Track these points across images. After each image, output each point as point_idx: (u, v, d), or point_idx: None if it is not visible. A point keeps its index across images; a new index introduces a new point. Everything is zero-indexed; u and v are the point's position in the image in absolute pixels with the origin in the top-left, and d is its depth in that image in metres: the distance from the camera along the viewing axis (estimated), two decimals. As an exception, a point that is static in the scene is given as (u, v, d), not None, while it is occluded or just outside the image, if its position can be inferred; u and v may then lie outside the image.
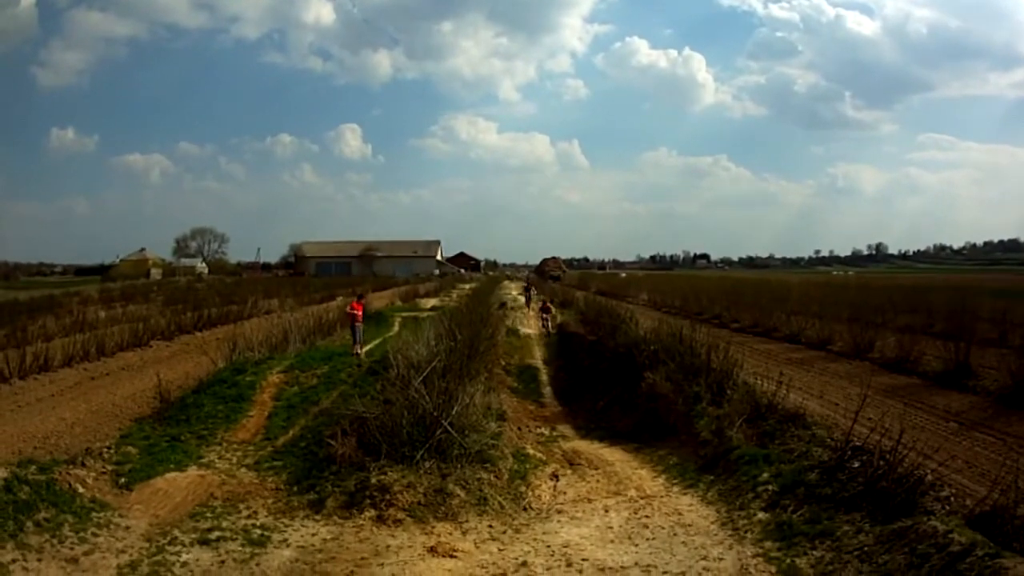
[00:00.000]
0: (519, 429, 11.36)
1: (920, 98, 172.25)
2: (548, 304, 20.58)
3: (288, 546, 6.74)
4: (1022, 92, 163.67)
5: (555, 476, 9.10)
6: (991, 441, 9.99)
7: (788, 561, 6.40)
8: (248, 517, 7.46)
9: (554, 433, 11.69)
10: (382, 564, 6.38)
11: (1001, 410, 11.72)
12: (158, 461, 8.90)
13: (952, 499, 7.16)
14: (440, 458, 8.38)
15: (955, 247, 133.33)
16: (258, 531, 7.06)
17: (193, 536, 6.87)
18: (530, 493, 8.41)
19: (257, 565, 6.34)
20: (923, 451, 7.73)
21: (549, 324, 23.43)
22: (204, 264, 76.95)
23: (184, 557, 6.40)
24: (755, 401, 10.28)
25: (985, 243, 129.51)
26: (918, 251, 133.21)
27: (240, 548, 6.64)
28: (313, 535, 7.09)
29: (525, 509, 7.97)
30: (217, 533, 6.95)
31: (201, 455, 9.34)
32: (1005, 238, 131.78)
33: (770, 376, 11.01)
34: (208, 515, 7.43)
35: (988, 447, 9.76)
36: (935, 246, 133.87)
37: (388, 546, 6.77)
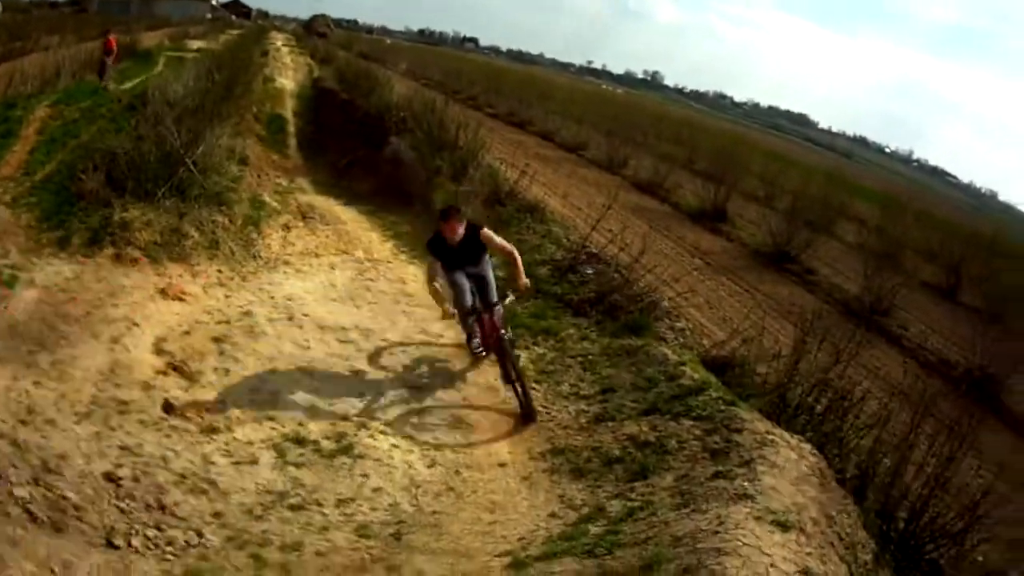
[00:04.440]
0: (259, 176, 11.14)
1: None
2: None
3: (34, 286, 6.66)
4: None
5: (286, 227, 9.32)
6: (738, 291, 9.54)
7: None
8: (2, 256, 7.39)
9: (292, 185, 11.52)
10: (116, 304, 6.53)
11: (754, 265, 11.30)
12: (-68, 200, 8.61)
13: (688, 333, 6.99)
14: (180, 197, 8.43)
15: (736, 99, 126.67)
16: (9, 271, 7.01)
17: (-47, 283, 6.85)
18: (261, 241, 8.62)
19: (6, 308, 6.25)
20: (663, 277, 7.48)
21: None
22: (1, 4, 64.71)
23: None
24: (496, 185, 10.29)
25: (770, 107, 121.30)
26: (696, 91, 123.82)
27: (-8, 292, 6.69)
28: (57, 274, 7.01)
29: (254, 257, 8.27)
30: (-25, 279, 6.97)
31: (-31, 192, 9.00)
32: (794, 110, 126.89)
33: (516, 165, 11.05)
34: (-33, 256, 7.42)
35: (734, 295, 9.34)
36: (715, 92, 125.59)
37: (123, 286, 6.92)
